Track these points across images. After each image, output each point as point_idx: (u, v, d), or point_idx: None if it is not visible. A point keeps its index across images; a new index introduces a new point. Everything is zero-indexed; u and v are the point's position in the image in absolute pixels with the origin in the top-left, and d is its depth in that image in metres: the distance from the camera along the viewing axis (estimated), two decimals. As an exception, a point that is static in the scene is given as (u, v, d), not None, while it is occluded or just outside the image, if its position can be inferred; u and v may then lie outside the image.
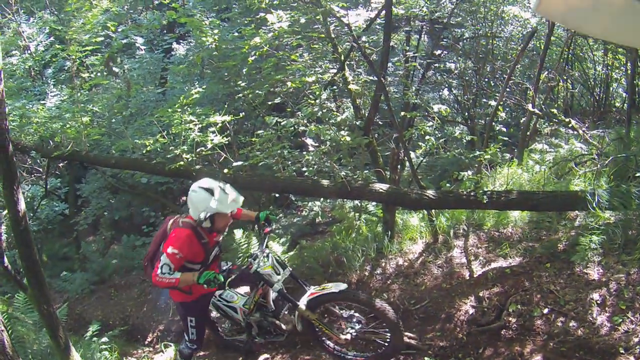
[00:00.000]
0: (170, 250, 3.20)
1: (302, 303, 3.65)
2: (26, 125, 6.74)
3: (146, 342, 6.03)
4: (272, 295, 3.83)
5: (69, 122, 6.50)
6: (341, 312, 3.83)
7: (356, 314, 3.76)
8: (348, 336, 3.70)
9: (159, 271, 3.19)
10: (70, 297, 7.59)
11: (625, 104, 8.69)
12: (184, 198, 7.97)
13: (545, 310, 3.66)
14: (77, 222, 8.07)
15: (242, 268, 3.55)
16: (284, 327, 3.88)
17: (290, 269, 3.87)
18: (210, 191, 3.30)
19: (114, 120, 7.20)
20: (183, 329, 3.91)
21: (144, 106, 7.66)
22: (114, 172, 7.45)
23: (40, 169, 9.03)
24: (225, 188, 3.37)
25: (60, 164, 8.71)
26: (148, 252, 3.58)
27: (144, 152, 5.55)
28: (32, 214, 8.29)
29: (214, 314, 4.30)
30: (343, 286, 3.63)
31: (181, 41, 9.53)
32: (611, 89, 8.99)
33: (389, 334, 3.68)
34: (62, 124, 6.57)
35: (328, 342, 3.95)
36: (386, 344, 3.76)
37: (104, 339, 5.69)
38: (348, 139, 4.55)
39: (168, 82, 8.49)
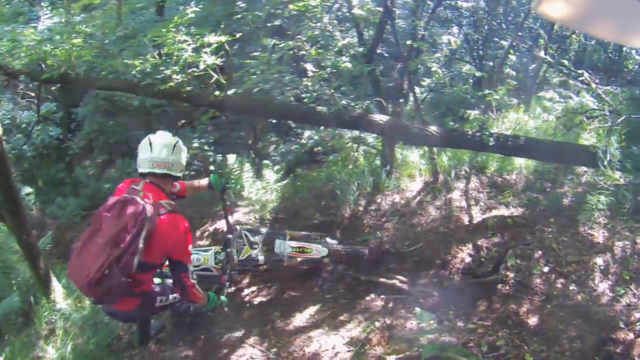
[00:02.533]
0: (192, 250, 2.41)
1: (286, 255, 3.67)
2: (15, 49, 6.42)
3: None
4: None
5: (59, 44, 6.18)
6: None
7: None
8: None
9: (195, 281, 2.46)
10: (62, 223, 7.55)
11: (638, 66, 8.44)
12: (182, 122, 7.74)
13: (546, 269, 3.46)
14: (69, 147, 7.93)
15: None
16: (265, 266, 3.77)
17: (264, 229, 3.84)
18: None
19: (107, 41, 6.90)
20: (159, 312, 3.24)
21: (141, 27, 7.30)
22: (107, 95, 7.21)
23: (32, 94, 8.78)
24: None
25: (53, 88, 8.43)
26: (102, 261, 2.25)
27: (134, 72, 5.27)
28: (26, 139, 8.22)
29: None
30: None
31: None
32: (624, 49, 8.69)
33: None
34: (53, 46, 6.25)
35: None
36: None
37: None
38: (349, 65, 4.27)
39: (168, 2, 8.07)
